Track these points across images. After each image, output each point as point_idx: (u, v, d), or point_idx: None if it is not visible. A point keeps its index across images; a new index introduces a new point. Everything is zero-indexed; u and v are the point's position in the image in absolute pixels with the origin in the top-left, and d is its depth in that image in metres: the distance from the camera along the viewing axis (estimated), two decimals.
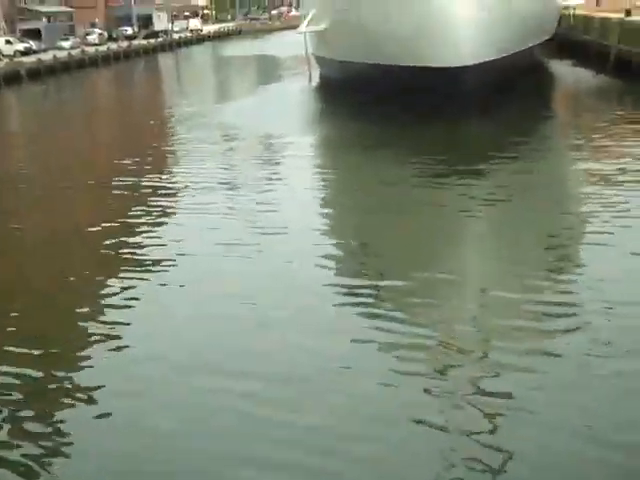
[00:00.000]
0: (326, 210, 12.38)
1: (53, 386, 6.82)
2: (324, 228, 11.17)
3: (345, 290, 8.39)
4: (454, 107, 16.91)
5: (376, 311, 7.76)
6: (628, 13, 24.19)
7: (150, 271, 9.56)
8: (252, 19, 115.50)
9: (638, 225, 9.96)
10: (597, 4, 31.55)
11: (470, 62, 17.48)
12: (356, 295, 8.20)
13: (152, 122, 25.23)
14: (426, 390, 6.07)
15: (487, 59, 17.79)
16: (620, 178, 12.11)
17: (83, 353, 7.42)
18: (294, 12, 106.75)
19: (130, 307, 8.48)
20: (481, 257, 9.65)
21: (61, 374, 7.01)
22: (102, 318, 8.25)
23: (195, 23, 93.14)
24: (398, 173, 13.57)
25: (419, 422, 5.68)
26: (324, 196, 13.38)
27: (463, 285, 8.42)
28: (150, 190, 14.03)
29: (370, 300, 8.07)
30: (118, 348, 7.49)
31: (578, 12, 28.08)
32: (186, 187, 13.94)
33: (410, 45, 18.32)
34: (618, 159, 13.46)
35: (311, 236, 10.40)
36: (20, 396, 6.64)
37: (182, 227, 11.41)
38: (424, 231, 10.52)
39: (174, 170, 16.28)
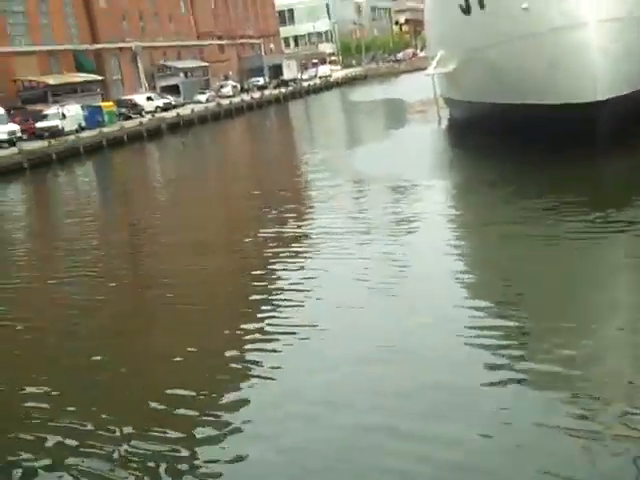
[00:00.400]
0: (463, 250, 12.61)
1: (210, 418, 7.30)
2: (462, 269, 11.29)
3: (486, 324, 8.55)
4: (591, 144, 16.52)
5: (517, 350, 7.86)
6: None
7: (293, 313, 10.00)
8: (380, 61, 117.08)
9: None
10: None
11: (606, 96, 17.09)
12: (496, 337, 8.27)
13: (286, 169, 26.09)
14: (571, 421, 6.16)
15: (623, 93, 17.34)
16: None
17: (233, 386, 7.97)
18: (420, 53, 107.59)
19: (274, 348, 8.88)
20: (628, 299, 9.42)
21: (214, 411, 7.49)
22: (248, 356, 8.79)
23: (324, 70, 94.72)
24: (536, 214, 13.42)
25: (562, 450, 5.79)
26: (459, 235, 13.63)
27: (609, 324, 8.35)
28: (291, 236, 14.64)
29: (512, 340, 8.18)
30: (266, 384, 7.96)
31: None
32: (324, 233, 14.33)
33: (543, 82, 18.08)
34: None
35: (452, 280, 10.47)
36: (175, 434, 7.13)
37: (324, 272, 11.73)
38: (564, 268, 10.47)
39: (312, 216, 16.84)
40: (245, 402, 7.60)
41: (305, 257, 12.91)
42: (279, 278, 11.87)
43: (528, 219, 13.21)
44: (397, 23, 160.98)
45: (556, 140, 16.95)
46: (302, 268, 12.17)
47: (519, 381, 7.11)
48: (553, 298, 9.40)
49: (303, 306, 10.26)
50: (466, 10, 19.67)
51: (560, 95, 17.64)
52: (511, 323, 8.59)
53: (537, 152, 17.62)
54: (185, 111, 53.98)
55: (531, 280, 10.23)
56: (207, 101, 63.20)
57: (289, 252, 13.32)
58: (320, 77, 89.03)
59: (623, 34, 16.65)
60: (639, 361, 7.29)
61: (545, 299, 9.46)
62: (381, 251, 12.34)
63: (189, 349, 9.33)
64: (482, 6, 18.83)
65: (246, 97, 65.35)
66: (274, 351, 8.80)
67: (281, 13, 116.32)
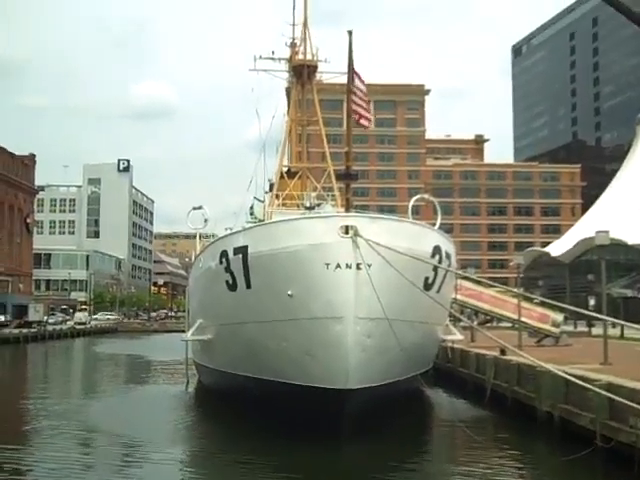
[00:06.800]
0: None
1: None
2: None
3: None
4: (338, 428, 16.46)
5: None
6: (503, 352, 25.12)
7: None
8: (130, 318, 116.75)
9: None
10: (472, 339, 33.11)
11: (357, 386, 17.46)
12: None
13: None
14: None
15: (374, 384, 17.87)
16: None
17: None
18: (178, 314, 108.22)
19: None
20: None
21: None
22: None
23: (80, 316, 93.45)
24: None
25: None
26: None
27: None
28: None
29: None
30: None
31: (456, 346, 29.31)
32: None
33: (300, 364, 18.17)
34: None
35: None
36: None
37: None
38: None
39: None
40: None
41: None
42: None
43: None
44: (156, 284, 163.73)
45: (306, 420, 16.69)
46: None
47: None
48: None
49: None
50: (232, 286, 19.70)
51: (314, 379, 17.76)
52: None
53: (287, 429, 17.22)
54: None
55: None
56: None
57: None
58: (76, 323, 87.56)
59: (377, 331, 17.46)
60: None
61: None
62: None
63: None
64: (248, 286, 19.02)
65: None
66: None
67: (38, 255, 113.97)
